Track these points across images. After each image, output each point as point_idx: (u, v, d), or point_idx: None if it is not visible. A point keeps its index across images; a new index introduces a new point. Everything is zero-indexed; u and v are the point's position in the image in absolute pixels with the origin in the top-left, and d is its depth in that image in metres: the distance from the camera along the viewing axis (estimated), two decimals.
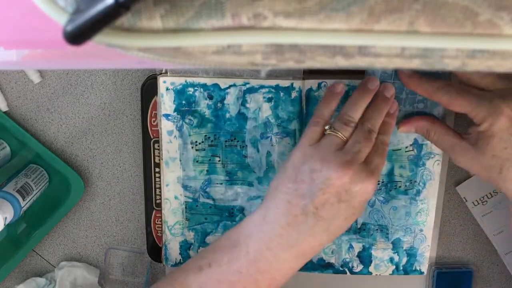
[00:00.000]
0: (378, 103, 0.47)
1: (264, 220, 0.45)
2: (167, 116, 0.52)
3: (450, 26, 0.23)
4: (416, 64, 0.25)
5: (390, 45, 0.24)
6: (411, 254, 0.57)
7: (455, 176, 0.57)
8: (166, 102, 0.52)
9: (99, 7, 0.21)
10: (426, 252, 0.57)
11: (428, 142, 0.52)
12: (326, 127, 0.45)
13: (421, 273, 0.57)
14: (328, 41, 0.24)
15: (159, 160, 0.54)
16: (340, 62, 0.26)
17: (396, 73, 0.49)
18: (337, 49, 0.25)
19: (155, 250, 0.58)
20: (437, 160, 0.53)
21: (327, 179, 0.42)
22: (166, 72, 0.52)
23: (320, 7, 0.23)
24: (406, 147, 0.53)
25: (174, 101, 0.52)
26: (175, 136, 0.53)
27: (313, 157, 0.44)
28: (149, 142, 0.54)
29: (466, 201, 0.58)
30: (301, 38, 0.24)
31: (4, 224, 0.49)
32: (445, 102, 0.45)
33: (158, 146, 0.54)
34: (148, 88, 0.53)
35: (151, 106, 0.53)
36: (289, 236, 0.44)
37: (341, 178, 0.42)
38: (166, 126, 0.53)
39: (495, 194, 0.56)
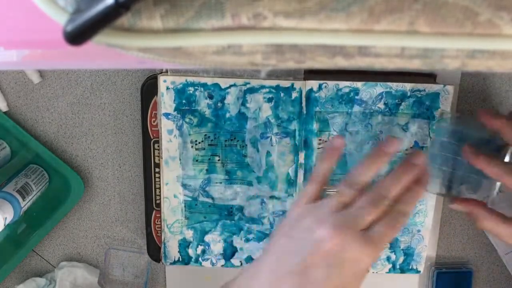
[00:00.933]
0: (401, 169, 0.43)
1: (253, 276, 0.42)
2: (167, 115, 0.52)
3: (450, 26, 0.23)
4: (416, 64, 0.25)
5: (390, 45, 0.24)
6: (408, 253, 0.57)
7: None
8: (166, 101, 0.52)
9: (99, 7, 0.21)
10: (423, 252, 0.57)
11: (428, 145, 0.52)
12: (327, 187, 0.43)
13: (418, 272, 0.58)
14: (328, 41, 0.24)
15: (159, 160, 0.54)
16: (340, 62, 0.26)
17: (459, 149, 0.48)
18: (337, 49, 0.24)
19: (155, 250, 0.58)
20: None
21: (319, 240, 0.40)
22: (166, 71, 0.52)
23: (320, 7, 0.23)
24: (406, 149, 0.53)
25: (174, 100, 0.52)
26: (175, 135, 0.53)
27: (309, 215, 0.42)
28: (149, 142, 0.54)
29: None
30: (301, 38, 0.24)
31: (4, 224, 0.49)
32: None
33: (158, 146, 0.54)
34: (148, 88, 0.53)
35: (151, 106, 0.53)
36: None
37: (331, 241, 0.39)
38: (166, 125, 0.53)
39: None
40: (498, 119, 0.46)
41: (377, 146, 0.44)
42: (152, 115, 0.54)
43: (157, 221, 0.57)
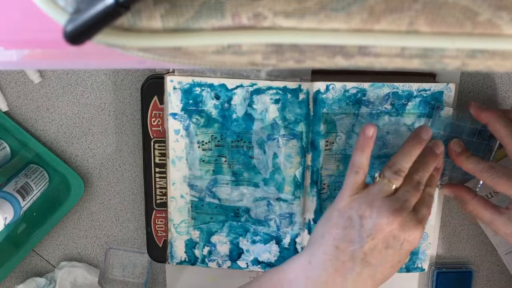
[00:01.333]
0: (427, 157, 0.48)
1: (310, 265, 0.45)
2: (174, 115, 0.52)
3: (450, 26, 0.23)
4: (416, 64, 0.25)
5: (390, 45, 0.24)
6: (414, 252, 0.56)
7: None
8: (173, 101, 0.52)
9: (99, 7, 0.21)
10: (428, 250, 0.57)
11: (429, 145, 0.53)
12: (376, 175, 0.46)
13: (422, 270, 0.57)
14: (328, 41, 0.24)
15: (160, 160, 0.54)
16: (340, 62, 0.26)
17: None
18: (337, 49, 0.24)
19: (155, 250, 0.58)
20: None
21: (377, 225, 0.43)
22: (173, 71, 0.51)
23: (320, 7, 0.23)
24: None
25: (181, 100, 0.52)
26: (181, 135, 0.53)
27: (362, 203, 0.45)
28: (149, 142, 0.54)
29: None
30: (301, 38, 0.24)
31: (4, 224, 0.49)
32: (489, 182, 0.48)
33: (158, 146, 0.54)
34: (148, 88, 0.53)
35: (151, 106, 0.53)
36: (335, 283, 0.44)
37: (390, 224, 0.43)
38: (173, 125, 0.52)
39: (495, 194, 0.56)
40: (485, 113, 0.49)
41: (413, 134, 0.48)
42: (152, 115, 0.53)
43: (157, 221, 0.57)
